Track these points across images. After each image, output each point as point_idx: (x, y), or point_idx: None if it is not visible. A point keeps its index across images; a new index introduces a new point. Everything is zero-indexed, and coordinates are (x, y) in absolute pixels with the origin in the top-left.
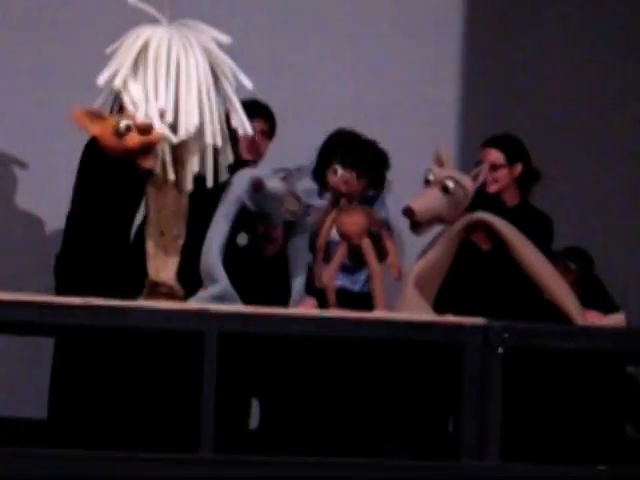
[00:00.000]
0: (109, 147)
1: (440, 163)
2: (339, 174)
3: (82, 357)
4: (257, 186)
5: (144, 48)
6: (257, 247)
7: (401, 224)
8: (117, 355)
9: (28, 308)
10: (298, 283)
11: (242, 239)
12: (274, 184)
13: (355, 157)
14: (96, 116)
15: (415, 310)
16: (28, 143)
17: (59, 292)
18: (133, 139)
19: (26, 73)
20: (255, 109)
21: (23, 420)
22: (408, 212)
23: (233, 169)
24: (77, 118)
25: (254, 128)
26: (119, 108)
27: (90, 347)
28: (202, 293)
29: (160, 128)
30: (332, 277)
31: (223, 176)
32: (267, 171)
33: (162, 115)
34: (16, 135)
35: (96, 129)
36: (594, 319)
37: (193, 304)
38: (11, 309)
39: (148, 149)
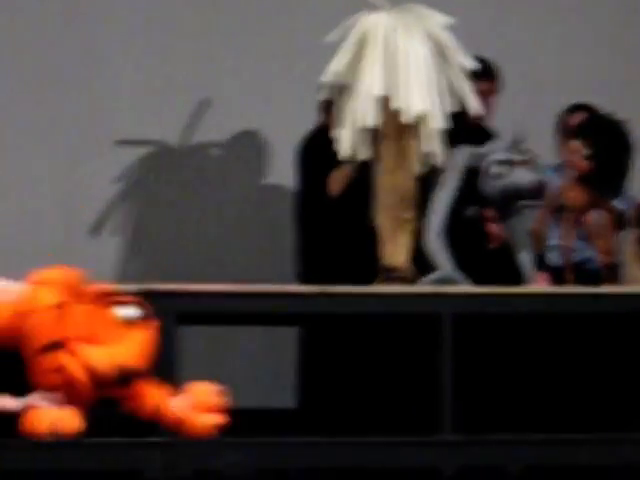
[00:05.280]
0: None
1: None
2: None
3: (324, 344)
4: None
5: (366, 36)
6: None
7: None
8: (356, 341)
9: (269, 299)
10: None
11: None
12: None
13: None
14: None
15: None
16: None
17: (300, 279)
18: None
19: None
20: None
21: (270, 410)
22: None
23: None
24: None
25: (478, 89)
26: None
27: (331, 334)
28: (426, 278)
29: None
30: (568, 252)
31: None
32: (490, 149)
33: (385, 100)
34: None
35: None
36: None
37: (427, 287)
38: (253, 300)
39: None
